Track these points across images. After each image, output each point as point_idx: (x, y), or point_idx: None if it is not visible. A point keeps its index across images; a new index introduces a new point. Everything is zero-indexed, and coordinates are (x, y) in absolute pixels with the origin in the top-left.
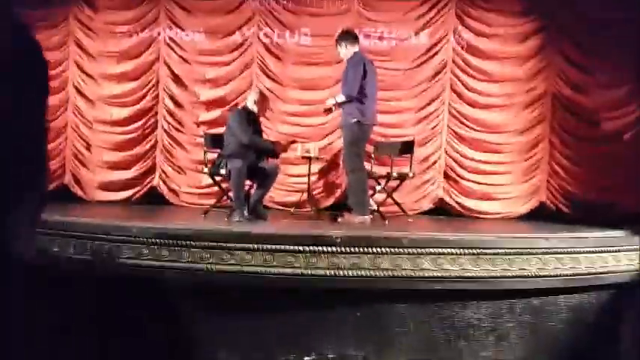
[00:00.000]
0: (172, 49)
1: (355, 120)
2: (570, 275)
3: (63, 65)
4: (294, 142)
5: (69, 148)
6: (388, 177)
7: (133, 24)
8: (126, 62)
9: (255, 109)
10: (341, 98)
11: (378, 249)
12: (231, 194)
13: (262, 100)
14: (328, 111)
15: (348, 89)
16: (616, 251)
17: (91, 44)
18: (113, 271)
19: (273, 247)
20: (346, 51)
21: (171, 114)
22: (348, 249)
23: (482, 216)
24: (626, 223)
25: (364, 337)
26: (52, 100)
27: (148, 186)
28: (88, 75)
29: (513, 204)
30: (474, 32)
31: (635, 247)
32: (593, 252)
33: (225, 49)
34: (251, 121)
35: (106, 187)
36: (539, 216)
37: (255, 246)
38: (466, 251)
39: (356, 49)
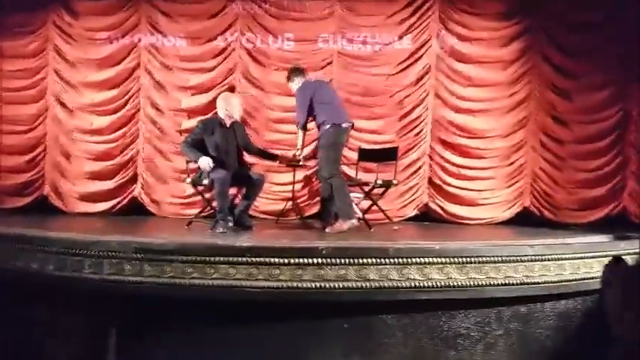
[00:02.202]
0: (153, 55)
1: (330, 125)
2: (556, 282)
3: (42, 73)
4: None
5: (48, 158)
6: (373, 185)
7: (114, 30)
8: (106, 69)
9: (225, 116)
10: (299, 134)
11: (364, 260)
12: (215, 204)
13: (230, 102)
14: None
15: (298, 118)
16: (601, 256)
17: (71, 51)
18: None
19: (258, 259)
20: (295, 85)
21: (152, 122)
22: (333, 260)
23: (467, 222)
24: (609, 228)
25: (352, 348)
26: (31, 109)
27: (130, 197)
28: (67, 83)
29: (498, 209)
30: (457, 36)
31: (619, 251)
32: (577, 258)
33: (208, 54)
34: (216, 129)
35: (87, 198)
36: (524, 221)
37: (240, 259)
38: (452, 260)
39: (303, 79)
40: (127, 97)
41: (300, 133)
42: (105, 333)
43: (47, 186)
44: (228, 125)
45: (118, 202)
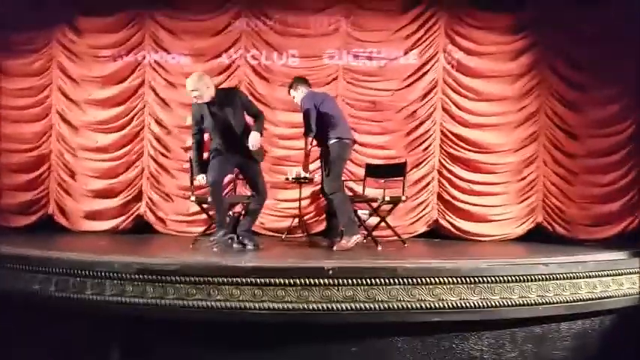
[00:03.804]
0: (158, 72)
1: (335, 139)
2: (571, 301)
3: (46, 91)
4: None
5: (53, 176)
6: (381, 201)
7: (118, 47)
8: (110, 87)
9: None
10: (309, 139)
11: (373, 280)
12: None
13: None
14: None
15: (309, 129)
16: (617, 274)
17: (75, 69)
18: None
19: (263, 280)
20: (300, 94)
21: (157, 139)
22: (341, 281)
23: (478, 238)
24: (625, 244)
25: None
26: (35, 127)
27: (135, 214)
28: (71, 101)
29: (510, 225)
30: (464, 51)
31: (636, 269)
32: (593, 276)
33: (212, 71)
34: (204, 112)
35: (92, 216)
36: (537, 237)
37: (244, 280)
38: (463, 280)
39: (307, 90)
40: (131, 115)
41: (309, 140)
42: (108, 355)
43: (52, 204)
44: (211, 103)
45: (124, 220)
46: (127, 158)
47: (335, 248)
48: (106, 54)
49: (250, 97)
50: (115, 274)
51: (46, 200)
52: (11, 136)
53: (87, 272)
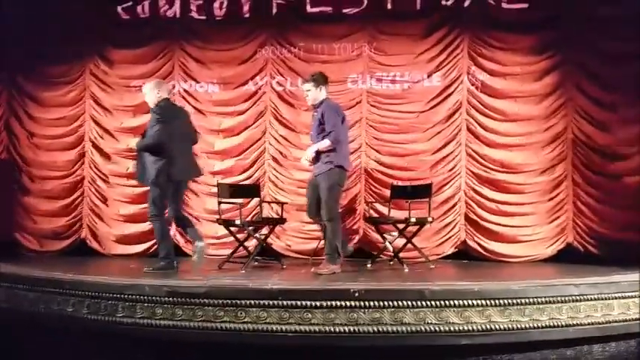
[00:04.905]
0: (187, 100)
1: (335, 165)
2: (604, 323)
3: (79, 120)
4: None
5: (86, 202)
6: (406, 222)
7: (148, 77)
8: (142, 115)
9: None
10: (326, 144)
11: (399, 302)
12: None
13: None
14: (313, 161)
15: (335, 135)
16: None
17: (107, 99)
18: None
19: (289, 302)
20: (319, 94)
21: None
22: (367, 303)
23: (507, 259)
24: None
25: None
26: (69, 155)
27: None
28: (104, 129)
29: (539, 246)
30: (488, 72)
31: None
32: (627, 297)
33: (239, 98)
34: None
35: (123, 240)
36: (567, 258)
37: (271, 302)
38: (493, 302)
39: (326, 93)
40: None
41: (327, 145)
42: None
43: (85, 229)
44: None
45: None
46: None
47: (313, 270)
48: (137, 84)
49: (276, 122)
50: (146, 297)
51: (79, 225)
52: (46, 164)
53: (118, 295)
